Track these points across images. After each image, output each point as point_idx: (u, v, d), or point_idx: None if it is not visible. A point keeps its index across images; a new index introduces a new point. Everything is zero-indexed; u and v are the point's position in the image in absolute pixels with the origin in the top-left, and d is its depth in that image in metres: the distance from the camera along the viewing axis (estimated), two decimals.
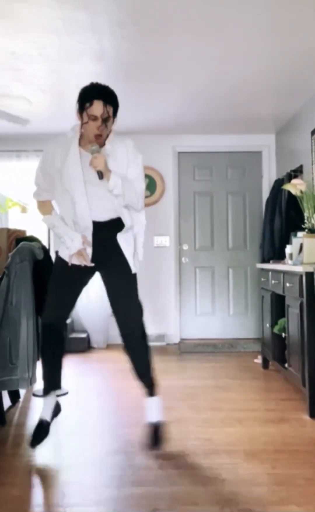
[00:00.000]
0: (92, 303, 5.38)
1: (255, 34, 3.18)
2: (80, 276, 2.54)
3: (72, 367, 4.46)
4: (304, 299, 2.97)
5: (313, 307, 2.94)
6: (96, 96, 2.30)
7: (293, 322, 3.25)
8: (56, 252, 2.59)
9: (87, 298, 5.40)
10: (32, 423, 2.94)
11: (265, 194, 5.46)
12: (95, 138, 2.36)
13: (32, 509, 1.92)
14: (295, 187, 3.67)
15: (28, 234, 3.72)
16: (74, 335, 5.26)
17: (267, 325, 4.00)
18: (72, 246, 2.40)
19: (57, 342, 2.54)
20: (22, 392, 3.51)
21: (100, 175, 2.31)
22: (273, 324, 3.81)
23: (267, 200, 5.08)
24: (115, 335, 5.51)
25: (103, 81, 3.66)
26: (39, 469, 2.29)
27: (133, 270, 2.50)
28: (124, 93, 4.14)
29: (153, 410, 2.51)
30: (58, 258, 2.55)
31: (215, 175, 5.69)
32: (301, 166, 4.60)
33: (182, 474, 2.19)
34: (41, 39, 3.23)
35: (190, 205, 5.70)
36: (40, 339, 2.60)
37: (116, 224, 2.48)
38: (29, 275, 2.89)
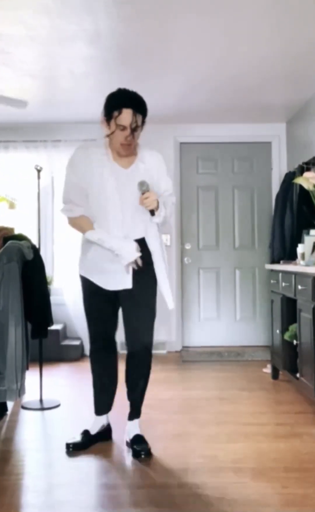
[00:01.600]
0: None
1: (264, 14, 3.18)
2: (111, 293, 2.64)
3: (64, 377, 4.46)
4: None
5: None
6: (125, 104, 2.36)
7: (305, 328, 3.25)
8: (81, 276, 2.75)
9: (80, 301, 5.39)
10: (20, 438, 2.94)
11: (275, 188, 5.46)
12: (122, 148, 2.47)
13: None
14: (307, 180, 3.67)
15: (16, 232, 3.73)
16: (66, 342, 5.26)
17: (277, 331, 4.00)
18: (129, 256, 2.49)
19: (107, 366, 2.77)
20: (9, 404, 3.51)
21: (152, 212, 2.47)
22: (284, 330, 3.81)
23: (277, 195, 5.08)
24: None
25: (96, 65, 3.70)
26: (29, 489, 2.29)
27: (170, 306, 2.70)
28: (120, 78, 4.15)
29: (133, 429, 2.72)
30: (86, 280, 2.71)
31: (220, 167, 5.70)
32: (314, 158, 4.60)
33: (185, 494, 2.19)
34: (30, 20, 3.23)
35: (193, 201, 5.70)
36: (94, 365, 2.79)
37: (144, 245, 2.59)
38: (18, 277, 2.89)
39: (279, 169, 5.60)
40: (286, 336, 3.72)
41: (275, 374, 4.24)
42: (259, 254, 5.62)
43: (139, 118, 2.41)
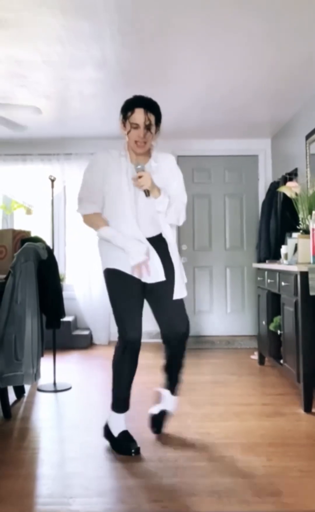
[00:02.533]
0: (94, 301, 5.39)
1: (252, 42, 3.18)
2: (139, 285, 2.41)
3: (75, 363, 4.46)
4: (299, 298, 2.97)
5: (307, 305, 2.94)
6: (137, 104, 2.31)
7: (288, 319, 3.25)
8: (106, 270, 2.43)
9: (89, 296, 5.41)
10: (36, 417, 2.95)
11: (261, 196, 5.46)
12: (137, 146, 2.34)
13: (37, 500, 1.92)
14: (290, 189, 3.67)
15: (32, 235, 3.73)
16: (77, 332, 5.26)
17: (263, 322, 4.00)
18: (138, 257, 2.31)
19: (135, 361, 2.43)
20: (27, 387, 3.51)
21: (147, 193, 2.28)
22: (269, 321, 3.81)
23: (263, 202, 5.08)
24: (116, 333, 5.50)
25: (103, 87, 3.69)
26: (43, 462, 2.29)
27: (182, 295, 2.44)
28: (124, 98, 4.14)
29: (169, 402, 2.56)
30: (113, 271, 2.39)
31: (213, 178, 5.70)
32: (296, 169, 4.60)
33: (181, 466, 2.20)
34: (45, 48, 3.23)
35: (189, 207, 5.60)
36: (118, 358, 2.40)
37: (161, 240, 2.43)
38: (34, 274, 2.89)
39: (265, 179, 5.61)
40: (271, 327, 3.72)
41: (261, 360, 4.25)
42: (247, 254, 5.62)
43: (151, 116, 2.30)
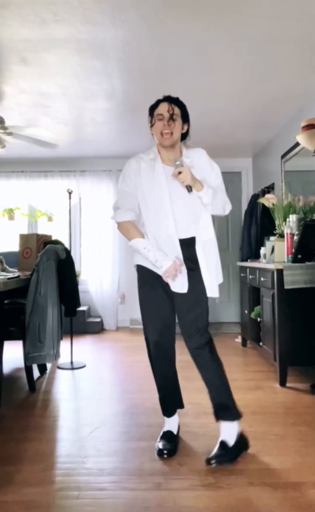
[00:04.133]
0: (105, 293, 5.39)
1: (237, 77, 3.18)
2: (164, 298, 1.99)
3: (89, 345, 4.46)
4: (275, 291, 2.97)
5: (282, 297, 2.94)
6: (162, 100, 1.95)
7: (266, 309, 3.25)
8: (136, 265, 2.06)
9: (101, 289, 5.40)
10: (56, 390, 2.95)
11: (244, 206, 5.46)
12: (163, 137, 1.91)
13: (56, 459, 1.92)
14: (268, 200, 3.67)
15: (53, 238, 3.73)
16: (90, 319, 5.26)
17: (246, 311, 4.00)
18: (166, 271, 1.88)
19: (164, 360, 2.08)
20: (48, 365, 3.51)
21: (189, 188, 1.86)
22: (251, 310, 3.81)
23: (246, 211, 5.07)
24: (124, 319, 5.49)
25: (112, 115, 3.66)
26: (62, 427, 2.29)
27: (213, 294, 1.97)
28: (130, 124, 4.14)
29: (224, 431, 1.94)
30: (141, 268, 2.02)
31: None
32: (273, 184, 4.60)
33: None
34: (64, 82, 3.23)
35: None
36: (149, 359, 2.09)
37: (193, 243, 1.97)
38: (54, 271, 2.89)
39: (247, 191, 5.60)
40: (252, 315, 3.72)
41: (244, 343, 4.24)
42: (232, 254, 5.61)
43: (175, 108, 1.91)
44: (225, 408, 1.94)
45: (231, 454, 1.87)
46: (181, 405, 2.17)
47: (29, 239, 3.53)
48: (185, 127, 1.99)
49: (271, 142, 4.73)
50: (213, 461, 1.83)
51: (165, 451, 1.93)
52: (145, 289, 2.02)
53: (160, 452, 1.94)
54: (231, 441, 1.90)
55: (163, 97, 1.96)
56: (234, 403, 1.96)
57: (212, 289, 1.96)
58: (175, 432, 2.08)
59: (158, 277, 1.94)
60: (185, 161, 1.92)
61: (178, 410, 2.18)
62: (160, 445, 1.98)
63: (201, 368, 2.00)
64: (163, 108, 1.92)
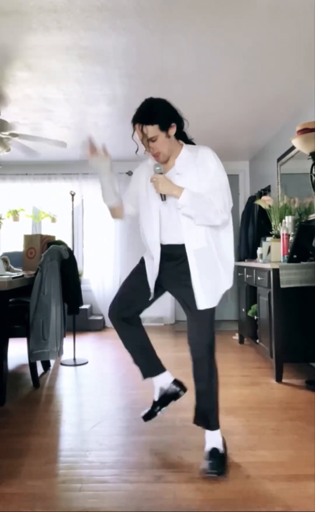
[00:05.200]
0: (106, 292, 5.38)
1: (233, 83, 3.18)
2: (148, 285, 1.91)
3: (91, 342, 4.46)
4: (272, 289, 2.96)
5: (278, 295, 2.94)
6: (133, 121, 1.81)
7: (263, 307, 3.25)
8: (142, 258, 2.02)
9: (102, 288, 5.40)
10: (59, 386, 2.95)
11: (241, 208, 5.44)
12: (154, 157, 1.82)
13: (60, 453, 1.92)
14: (264, 202, 3.67)
15: (56, 239, 3.73)
16: (92, 317, 5.25)
17: (243, 309, 4.00)
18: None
19: (125, 329, 2.00)
20: (52, 362, 3.51)
21: (163, 197, 1.78)
22: (248, 309, 3.80)
23: (243, 212, 5.07)
24: None
25: (114, 119, 3.64)
26: (65, 422, 2.29)
27: (200, 306, 1.78)
28: (131, 128, 4.13)
29: (208, 439, 1.86)
30: (142, 261, 1.99)
31: None
32: (269, 186, 4.60)
33: (177, 426, 2.20)
34: (67, 88, 3.23)
35: None
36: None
37: (183, 248, 1.81)
38: (57, 271, 2.89)
39: (244, 194, 5.59)
40: (249, 313, 3.72)
41: (241, 340, 4.24)
42: None
43: (148, 128, 1.74)
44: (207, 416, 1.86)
45: (223, 461, 1.76)
46: (161, 369, 2.02)
47: (33, 240, 3.53)
48: (172, 130, 1.80)
49: (267, 145, 4.73)
50: (209, 473, 1.68)
51: (142, 416, 1.98)
52: (135, 272, 1.99)
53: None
54: (221, 448, 1.81)
55: (134, 115, 1.79)
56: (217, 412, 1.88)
57: (202, 300, 1.78)
58: (155, 399, 1.99)
59: (150, 274, 1.90)
60: (176, 166, 1.82)
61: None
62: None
63: (192, 367, 1.91)
64: (137, 134, 1.78)
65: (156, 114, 1.77)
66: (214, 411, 1.87)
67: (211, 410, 1.87)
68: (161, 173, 1.80)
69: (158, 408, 1.99)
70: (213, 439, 1.84)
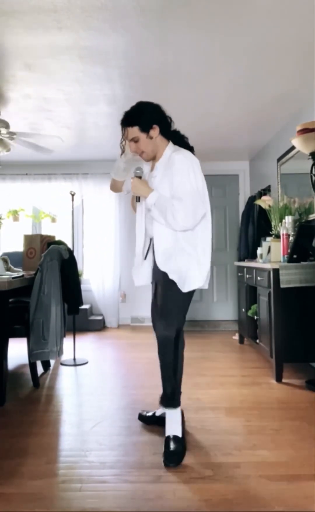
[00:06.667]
0: (106, 292, 5.38)
1: (233, 83, 3.18)
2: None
3: (91, 342, 4.46)
4: (271, 290, 2.97)
5: (278, 295, 2.94)
6: (121, 123, 1.94)
7: (263, 307, 3.25)
8: None
9: (102, 288, 5.40)
10: (59, 386, 2.95)
11: (241, 207, 5.46)
12: (140, 156, 1.97)
13: (60, 453, 1.92)
14: (264, 202, 3.67)
15: (56, 239, 3.73)
16: (92, 317, 5.25)
17: (243, 309, 4.00)
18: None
19: (164, 354, 2.00)
20: (52, 362, 3.51)
21: (137, 198, 1.95)
22: (248, 309, 3.81)
23: (243, 212, 5.07)
24: (125, 317, 5.49)
25: (114, 119, 3.64)
26: (65, 422, 2.29)
27: (161, 266, 1.89)
28: None
29: (168, 422, 1.94)
30: None
31: None
32: (269, 186, 4.60)
33: None
34: (67, 88, 3.23)
35: None
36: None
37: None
38: (58, 271, 2.89)
39: (244, 193, 5.59)
40: (249, 313, 3.72)
41: (241, 340, 4.24)
42: (230, 254, 5.61)
43: (130, 129, 1.89)
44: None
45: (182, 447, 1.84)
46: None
47: (33, 240, 3.53)
48: (153, 132, 1.90)
49: (267, 145, 4.72)
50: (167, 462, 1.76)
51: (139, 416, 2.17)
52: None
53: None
54: (179, 433, 1.89)
55: (120, 121, 1.93)
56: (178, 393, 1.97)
57: (162, 263, 1.88)
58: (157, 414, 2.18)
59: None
60: (156, 169, 1.94)
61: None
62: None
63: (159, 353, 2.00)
64: (124, 134, 1.92)
65: (136, 117, 1.90)
66: (175, 388, 1.99)
67: (170, 387, 1.98)
68: (139, 176, 1.91)
69: (154, 422, 2.17)
70: (173, 422, 1.94)
